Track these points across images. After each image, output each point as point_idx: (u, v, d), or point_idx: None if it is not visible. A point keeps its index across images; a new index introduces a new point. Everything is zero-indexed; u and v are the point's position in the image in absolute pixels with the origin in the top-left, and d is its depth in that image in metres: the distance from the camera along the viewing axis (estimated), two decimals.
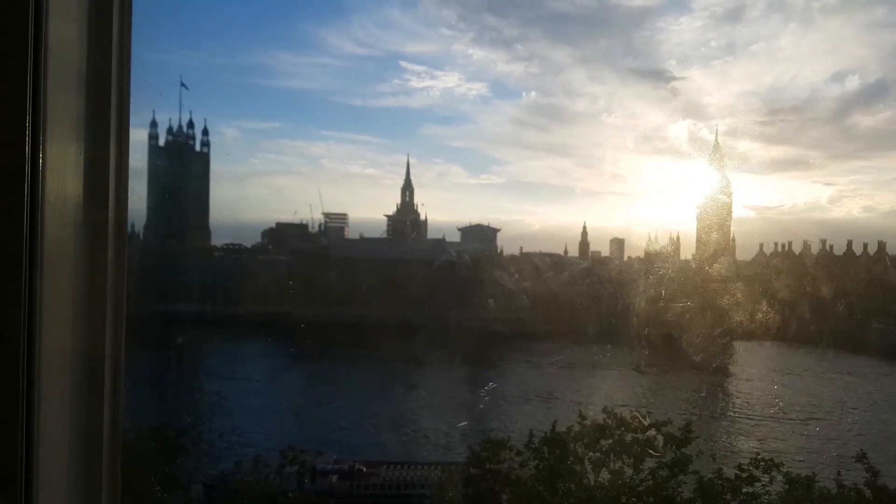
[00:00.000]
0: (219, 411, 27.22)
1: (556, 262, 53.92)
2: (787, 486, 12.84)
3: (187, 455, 14.43)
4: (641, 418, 13.89)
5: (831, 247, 55.82)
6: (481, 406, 28.30)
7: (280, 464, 15.01)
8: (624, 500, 12.47)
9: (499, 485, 13.34)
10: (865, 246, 55.95)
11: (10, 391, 1.42)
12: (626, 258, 50.44)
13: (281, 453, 15.38)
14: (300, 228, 73.73)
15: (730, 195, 38.81)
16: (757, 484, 12.60)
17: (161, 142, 72.52)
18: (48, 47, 1.50)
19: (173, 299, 49.51)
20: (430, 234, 74.38)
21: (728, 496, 12.68)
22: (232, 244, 70.86)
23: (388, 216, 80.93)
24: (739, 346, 38.10)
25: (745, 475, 12.74)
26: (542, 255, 53.36)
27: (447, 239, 67.10)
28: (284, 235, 73.17)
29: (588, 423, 13.68)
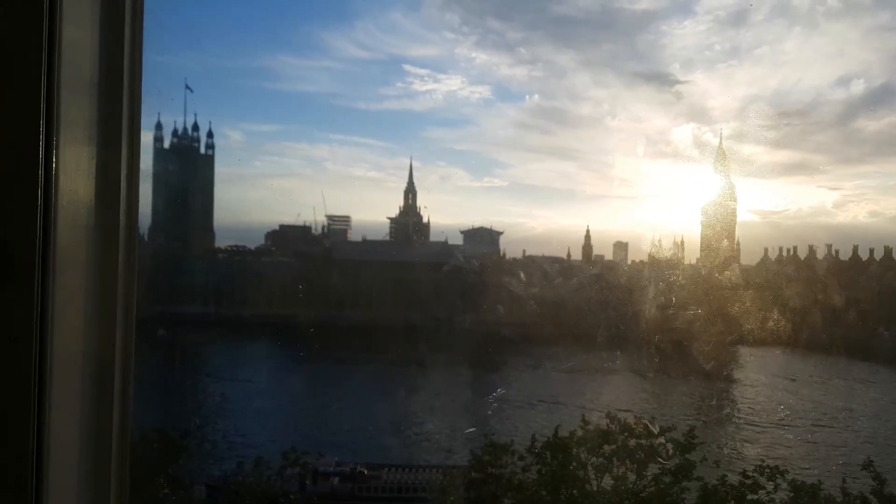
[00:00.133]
0: (222, 412, 27.29)
1: (563, 266, 53.79)
2: (791, 494, 12.77)
3: (190, 456, 14.48)
4: (649, 424, 13.84)
5: (837, 252, 55.56)
6: (489, 412, 28.24)
7: (282, 465, 15.03)
8: None
9: (501, 489, 13.31)
10: (872, 251, 55.78)
11: (21, 392, 1.43)
12: (629, 262, 50.30)
13: (283, 455, 15.41)
14: (303, 231, 73.85)
15: (734, 199, 38.69)
16: (761, 491, 12.54)
17: (166, 144, 72.85)
18: (61, 52, 1.52)
19: (177, 301, 49.67)
20: (433, 237, 74.43)
21: (732, 503, 12.62)
22: (235, 246, 71.08)
23: (390, 219, 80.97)
24: (747, 353, 37.95)
25: (749, 482, 12.68)
26: (546, 259, 53.27)
27: (449, 241, 67.13)
28: (288, 238, 73.30)
29: (591, 427, 13.64)
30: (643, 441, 13.10)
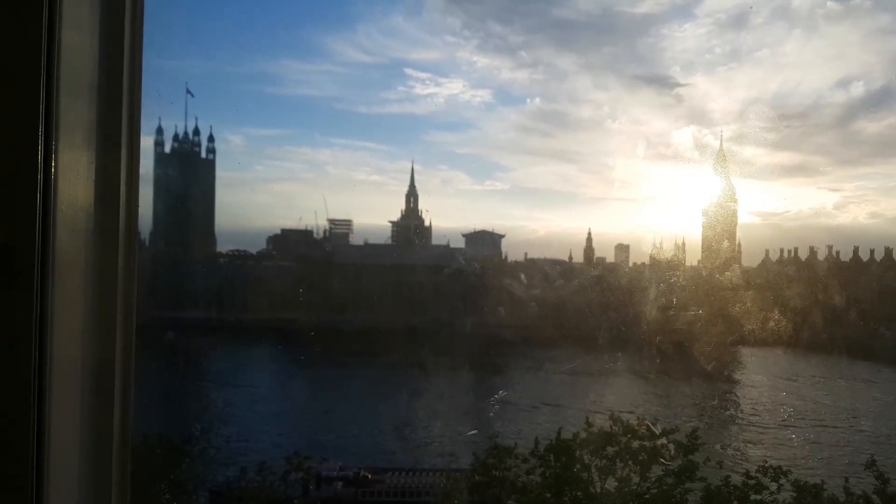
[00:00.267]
0: (224, 417, 27.23)
1: (564, 268, 53.80)
2: (795, 494, 12.73)
3: (192, 461, 14.46)
4: (652, 426, 13.81)
5: (837, 253, 55.53)
6: (491, 414, 28.19)
7: (285, 470, 15.00)
8: None
9: (504, 492, 13.28)
10: (872, 252, 55.79)
11: (21, 396, 1.43)
12: (630, 264, 50.27)
13: (286, 459, 15.38)
14: (305, 235, 73.81)
15: (735, 201, 38.72)
16: (765, 492, 12.50)
17: (167, 148, 72.85)
18: (61, 55, 1.52)
19: (178, 305, 49.66)
20: (435, 241, 74.47)
21: None
22: (237, 250, 71.01)
23: (392, 222, 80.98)
24: (748, 354, 37.91)
25: (752, 483, 12.64)
26: (548, 262, 53.25)
27: (451, 245, 67.13)
28: (289, 242, 73.31)
29: (595, 429, 13.60)
30: (646, 442, 13.07)
